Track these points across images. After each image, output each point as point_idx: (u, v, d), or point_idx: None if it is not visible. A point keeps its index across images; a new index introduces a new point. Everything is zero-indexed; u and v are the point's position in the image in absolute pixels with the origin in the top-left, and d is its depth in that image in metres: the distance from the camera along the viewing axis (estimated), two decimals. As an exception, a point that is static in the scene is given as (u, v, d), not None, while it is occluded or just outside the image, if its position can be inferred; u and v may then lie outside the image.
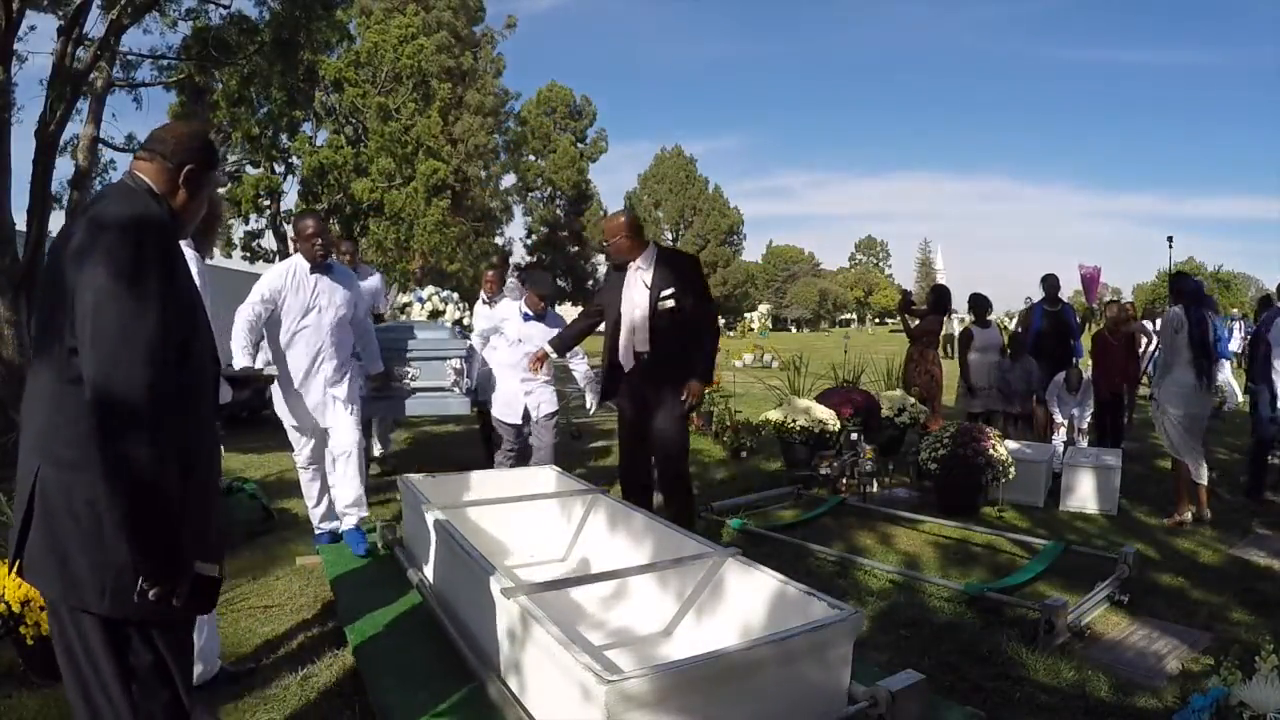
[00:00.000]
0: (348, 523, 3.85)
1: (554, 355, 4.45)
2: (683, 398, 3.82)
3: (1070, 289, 8.24)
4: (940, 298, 7.45)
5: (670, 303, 3.83)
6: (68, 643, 1.58)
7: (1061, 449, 6.07)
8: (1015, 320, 8.70)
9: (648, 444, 4.01)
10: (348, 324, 3.97)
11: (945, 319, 7.44)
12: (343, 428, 3.86)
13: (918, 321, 7.30)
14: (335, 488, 3.88)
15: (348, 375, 3.99)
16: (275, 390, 3.89)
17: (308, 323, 3.80)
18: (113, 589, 1.51)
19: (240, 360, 3.63)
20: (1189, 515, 4.91)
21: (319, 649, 2.93)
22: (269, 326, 3.85)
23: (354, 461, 3.84)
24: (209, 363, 1.70)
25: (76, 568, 1.51)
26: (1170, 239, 6.67)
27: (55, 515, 1.52)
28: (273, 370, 3.76)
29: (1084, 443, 6.55)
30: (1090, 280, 10.49)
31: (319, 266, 3.86)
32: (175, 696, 1.63)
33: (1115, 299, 8.99)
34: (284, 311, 3.80)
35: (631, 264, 3.95)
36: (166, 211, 1.63)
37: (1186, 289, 5.09)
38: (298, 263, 3.86)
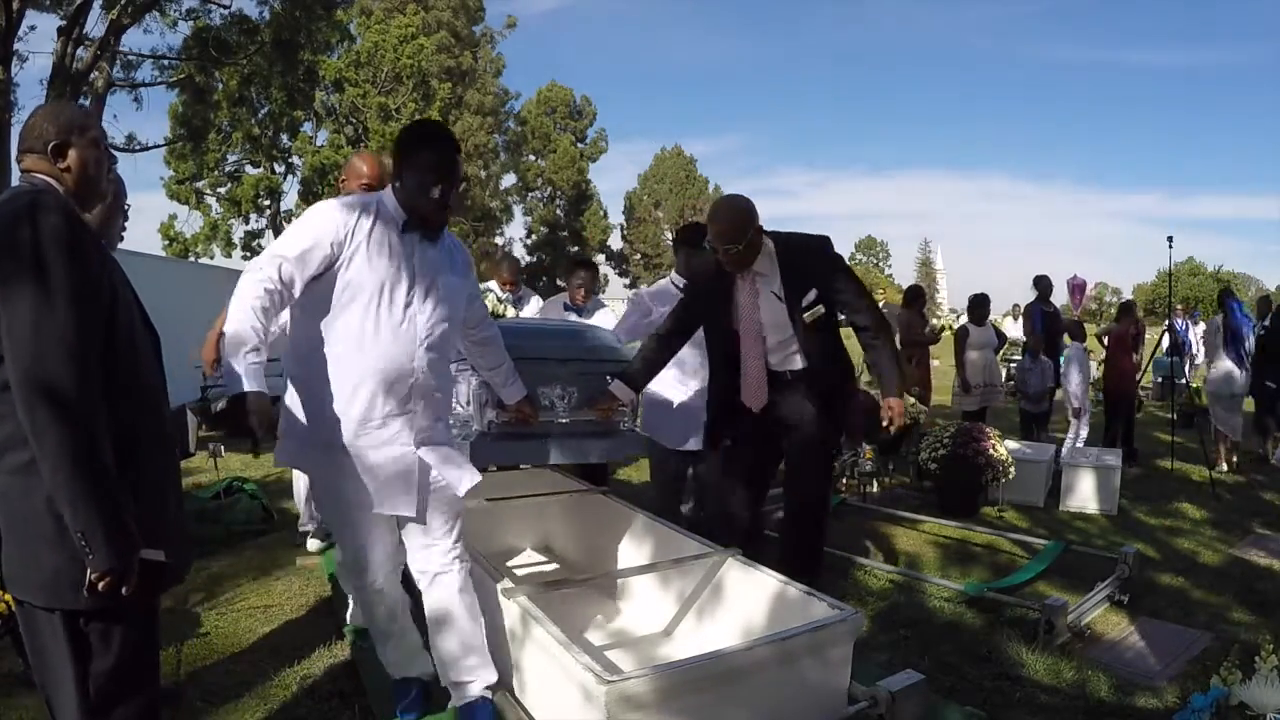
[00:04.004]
0: (469, 691, 2.18)
1: (629, 398, 3.06)
2: (885, 422, 2.93)
3: (1060, 298, 8.54)
4: (916, 296, 7.66)
5: (819, 309, 2.85)
6: (39, 645, 1.62)
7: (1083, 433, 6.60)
8: (1021, 320, 8.83)
9: (764, 484, 3.10)
10: (456, 331, 2.31)
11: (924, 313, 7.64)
12: (442, 520, 2.20)
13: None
14: (439, 630, 2.19)
15: (448, 421, 2.37)
16: (294, 435, 2.17)
17: (396, 315, 2.07)
18: (85, 582, 1.53)
19: (240, 361, 1.91)
20: (1224, 465, 6.64)
21: (319, 649, 2.93)
22: (304, 313, 2.11)
23: (468, 582, 2.23)
24: (140, 335, 1.69)
25: (50, 565, 1.53)
26: (1170, 239, 6.62)
27: (21, 519, 1.54)
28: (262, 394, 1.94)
29: (1085, 433, 6.70)
30: (1077, 289, 10.72)
31: (422, 223, 2.13)
32: (120, 694, 1.64)
33: (1130, 299, 9.10)
34: (346, 283, 2.03)
35: (749, 268, 2.87)
36: (59, 196, 1.61)
37: (1225, 302, 7.02)
38: (382, 203, 2.13)
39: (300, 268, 2.02)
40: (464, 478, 2.22)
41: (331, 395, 2.08)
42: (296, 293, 2.04)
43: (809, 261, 2.89)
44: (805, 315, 2.84)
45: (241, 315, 1.95)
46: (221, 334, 2.03)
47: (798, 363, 2.90)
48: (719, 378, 3.05)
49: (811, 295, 2.83)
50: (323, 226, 2.04)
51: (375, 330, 2.06)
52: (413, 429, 2.14)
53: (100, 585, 1.49)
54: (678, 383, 3.59)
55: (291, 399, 2.17)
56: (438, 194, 2.10)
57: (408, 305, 2.10)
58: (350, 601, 2.92)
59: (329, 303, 2.06)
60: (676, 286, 3.60)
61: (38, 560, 1.54)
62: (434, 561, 2.19)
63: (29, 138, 1.67)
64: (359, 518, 2.18)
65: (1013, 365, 8.00)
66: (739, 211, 2.82)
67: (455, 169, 2.17)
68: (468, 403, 2.85)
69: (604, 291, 4.76)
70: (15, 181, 1.69)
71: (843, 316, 3.01)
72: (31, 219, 1.49)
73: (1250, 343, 6.87)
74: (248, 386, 1.89)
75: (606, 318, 4.32)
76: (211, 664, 2.86)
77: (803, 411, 2.91)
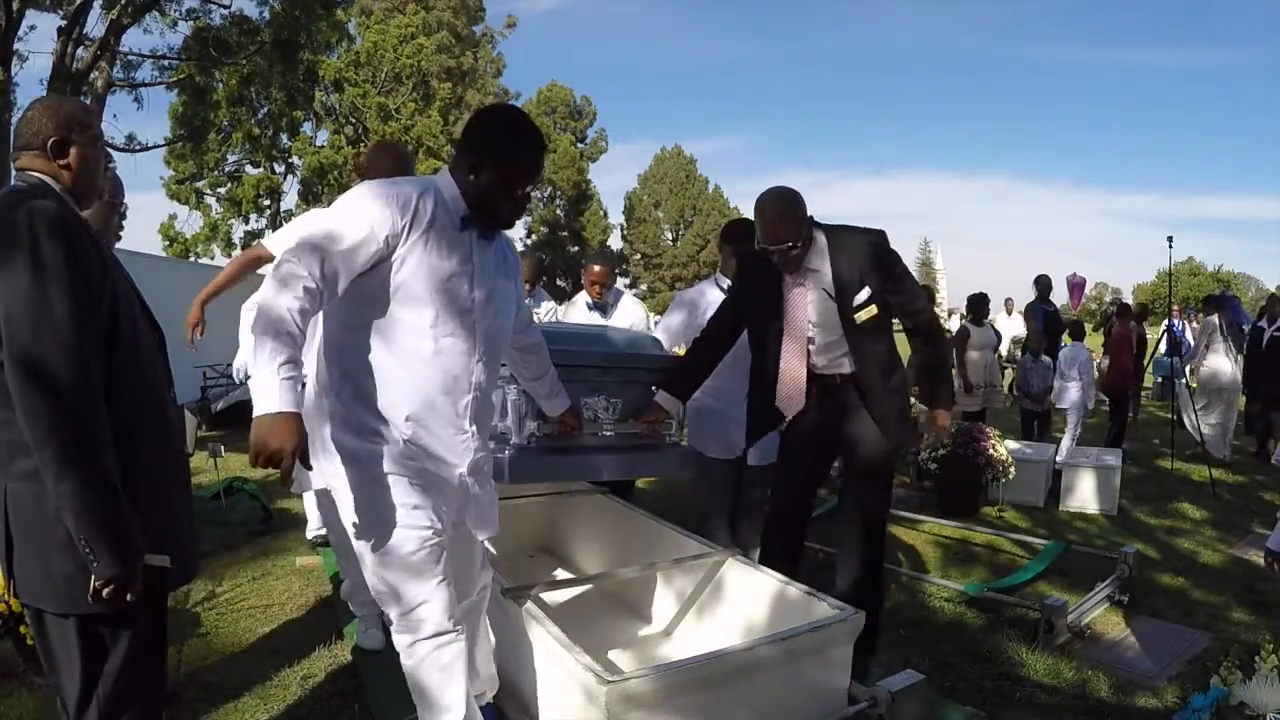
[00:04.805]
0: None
1: (676, 409, 2.85)
2: (926, 436, 2.87)
3: (1059, 297, 8.68)
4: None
5: (871, 309, 2.65)
6: (48, 648, 1.62)
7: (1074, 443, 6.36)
8: (1014, 316, 8.94)
9: (815, 482, 2.92)
10: (508, 342, 2.09)
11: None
12: (479, 550, 2.08)
13: None
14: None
15: (491, 439, 2.21)
16: (331, 455, 1.85)
17: (455, 322, 1.83)
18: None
19: (274, 374, 1.58)
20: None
21: (319, 649, 2.93)
22: (345, 314, 1.82)
23: (488, 606, 2.17)
24: (144, 335, 1.66)
25: (62, 571, 1.53)
26: (1170, 239, 6.62)
27: (33, 526, 1.54)
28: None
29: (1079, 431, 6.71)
30: (1076, 287, 10.82)
31: (489, 221, 1.88)
32: (129, 691, 1.65)
33: (1116, 298, 9.30)
34: (400, 283, 1.76)
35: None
36: (56, 195, 1.60)
37: (1221, 305, 7.57)
38: (439, 190, 1.84)
39: (346, 264, 1.69)
40: (493, 520, 2.06)
41: (381, 410, 1.81)
42: (339, 291, 1.72)
43: (863, 257, 2.65)
44: (857, 315, 2.64)
45: (275, 318, 1.60)
46: (206, 300, 1.77)
47: (846, 366, 2.72)
48: (760, 382, 2.83)
49: (865, 294, 2.63)
50: (376, 215, 1.71)
51: (435, 340, 1.79)
52: (469, 451, 1.91)
53: (105, 592, 1.49)
54: (717, 389, 3.25)
55: (327, 412, 1.86)
56: (522, 194, 1.88)
57: (468, 312, 1.84)
58: (358, 621, 2.86)
59: (376, 304, 1.77)
60: (720, 287, 3.37)
61: (49, 566, 1.53)
62: (469, 590, 2.04)
63: (26, 134, 1.64)
64: (414, 549, 1.81)
65: (1011, 365, 8.03)
66: (793, 206, 2.58)
67: (542, 168, 1.98)
68: (503, 414, 2.58)
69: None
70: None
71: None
72: (29, 217, 1.47)
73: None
74: (283, 406, 1.56)
75: (632, 306, 4.09)
76: (211, 664, 2.86)
77: (857, 423, 2.72)
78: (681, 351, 3.25)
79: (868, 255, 2.66)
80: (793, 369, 2.75)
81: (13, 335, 1.43)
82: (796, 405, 2.76)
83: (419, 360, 1.80)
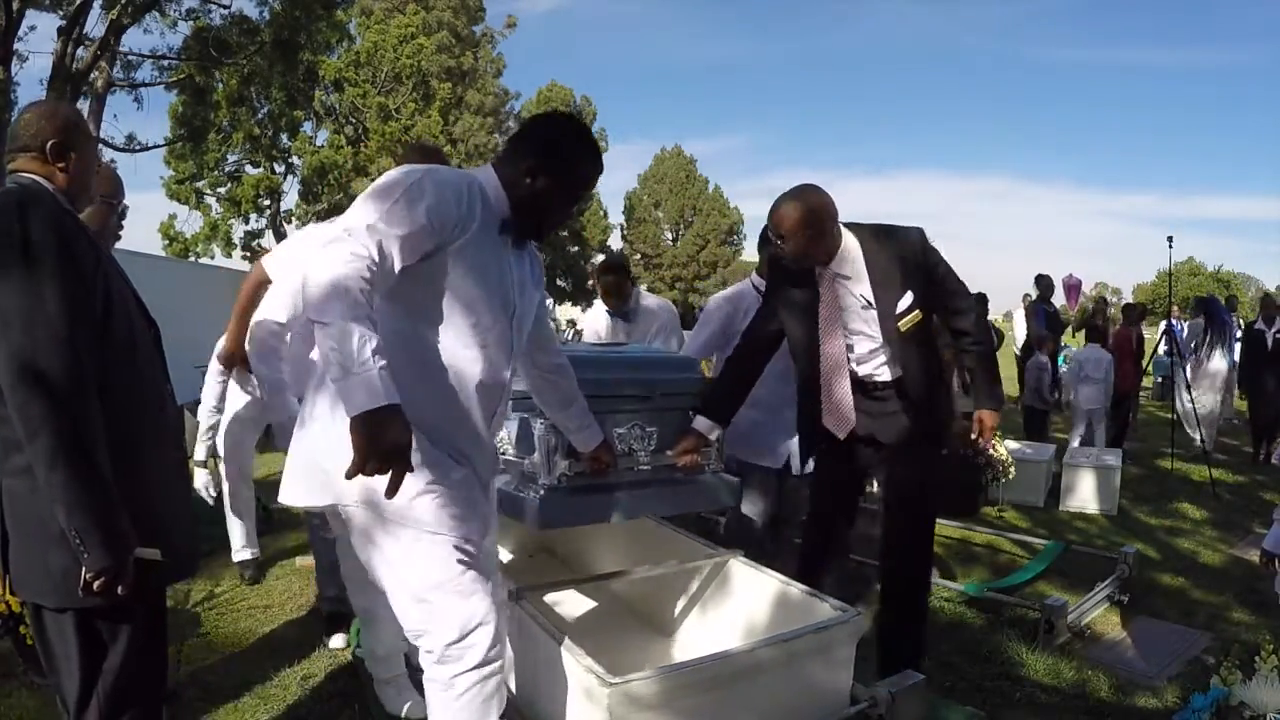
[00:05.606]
0: None
1: (715, 435, 2.57)
2: (974, 435, 2.66)
3: (1057, 298, 8.78)
4: None
5: (915, 315, 2.44)
6: (47, 645, 1.63)
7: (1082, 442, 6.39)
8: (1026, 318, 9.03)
9: (856, 487, 2.84)
10: None
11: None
12: (493, 558, 2.01)
13: None
14: None
15: (513, 475, 2.30)
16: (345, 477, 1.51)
17: (499, 330, 1.72)
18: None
19: (370, 364, 1.41)
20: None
21: (319, 649, 2.93)
22: (394, 311, 1.63)
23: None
24: (140, 332, 1.68)
25: (60, 566, 1.54)
26: (1170, 239, 6.63)
27: (28, 522, 1.55)
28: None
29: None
30: (1073, 289, 10.94)
31: (529, 231, 1.79)
32: (129, 689, 1.66)
33: (1103, 297, 9.39)
34: (456, 281, 1.63)
35: (826, 269, 2.48)
36: (50, 195, 1.60)
37: (1207, 308, 7.84)
38: (484, 188, 1.70)
39: (404, 252, 1.52)
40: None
41: (424, 422, 1.61)
42: (389, 280, 1.53)
43: (903, 259, 2.44)
44: (900, 323, 2.42)
45: (352, 301, 1.41)
46: (239, 340, 1.78)
47: (887, 373, 2.53)
48: (806, 397, 2.64)
49: (908, 300, 2.42)
50: (442, 202, 1.56)
51: (479, 349, 1.68)
52: (493, 463, 1.88)
53: (95, 584, 1.50)
54: (754, 398, 2.86)
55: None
56: (574, 210, 1.78)
57: (508, 321, 1.73)
58: (378, 686, 2.49)
59: (422, 304, 1.63)
60: (757, 289, 3.16)
61: (46, 561, 1.54)
62: (497, 598, 1.87)
63: (24, 136, 1.65)
64: (465, 568, 1.67)
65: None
66: (799, 199, 2.40)
67: (599, 168, 1.91)
68: (518, 449, 2.36)
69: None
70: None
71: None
72: (22, 214, 1.48)
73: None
74: (389, 399, 1.40)
75: (656, 309, 3.85)
76: (211, 664, 2.86)
77: (896, 430, 2.55)
78: (707, 367, 3.06)
79: (908, 258, 2.46)
80: (839, 388, 2.54)
81: (5, 329, 1.44)
82: (846, 425, 2.57)
83: (462, 370, 1.68)
